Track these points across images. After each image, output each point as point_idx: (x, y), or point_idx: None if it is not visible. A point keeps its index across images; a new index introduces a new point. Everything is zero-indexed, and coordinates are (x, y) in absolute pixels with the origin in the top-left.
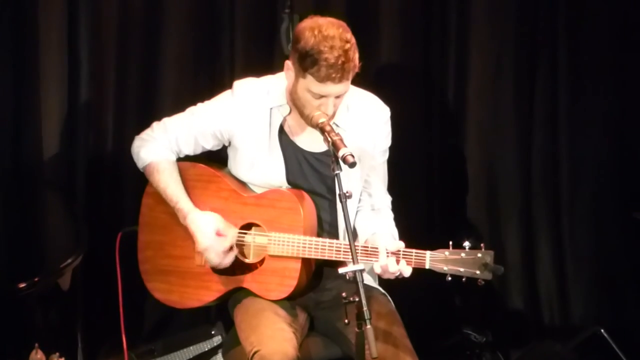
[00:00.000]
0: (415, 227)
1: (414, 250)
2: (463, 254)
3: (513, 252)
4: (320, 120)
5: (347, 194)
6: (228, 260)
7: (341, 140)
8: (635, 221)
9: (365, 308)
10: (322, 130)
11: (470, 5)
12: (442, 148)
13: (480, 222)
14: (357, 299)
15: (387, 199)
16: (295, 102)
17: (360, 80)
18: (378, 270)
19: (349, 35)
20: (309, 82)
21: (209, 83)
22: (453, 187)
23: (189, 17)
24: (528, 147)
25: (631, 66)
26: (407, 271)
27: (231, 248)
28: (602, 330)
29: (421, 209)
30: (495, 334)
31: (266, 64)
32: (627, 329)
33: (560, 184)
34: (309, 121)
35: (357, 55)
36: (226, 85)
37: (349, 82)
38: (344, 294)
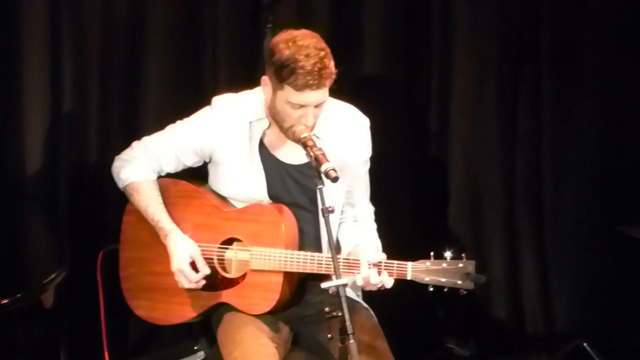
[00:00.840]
0: (398, 240)
1: (395, 262)
2: (444, 264)
3: (497, 265)
4: (303, 135)
5: (330, 209)
6: (199, 286)
7: (324, 154)
8: (618, 234)
9: (348, 323)
10: (305, 145)
11: (454, 22)
12: (427, 163)
13: (464, 235)
14: (340, 314)
15: (370, 210)
16: (274, 116)
17: (343, 96)
18: (360, 283)
19: (323, 44)
20: (287, 93)
21: (192, 98)
22: (437, 201)
23: (172, 32)
24: (512, 161)
25: (615, 81)
26: (388, 282)
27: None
28: (585, 344)
29: (405, 223)
30: (479, 346)
31: (249, 80)
32: (611, 341)
33: (544, 198)
34: (291, 136)
35: (332, 63)
36: (209, 101)
37: (327, 90)
38: (327, 309)
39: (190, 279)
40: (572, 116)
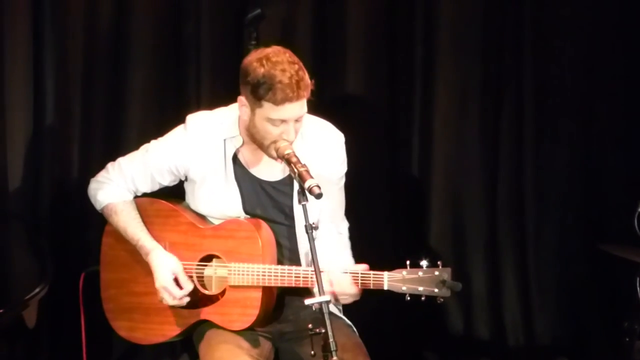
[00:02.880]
0: (379, 257)
1: (371, 272)
2: (420, 273)
3: (479, 284)
4: (287, 152)
5: (314, 226)
6: (181, 304)
7: (307, 171)
8: (600, 252)
9: (331, 339)
10: (289, 162)
11: (436, 38)
12: (409, 180)
13: (446, 253)
14: (322, 331)
15: (345, 226)
16: (254, 136)
17: (326, 113)
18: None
19: (295, 58)
20: (266, 110)
21: (175, 116)
22: (419, 219)
23: (155, 49)
24: (494, 179)
25: (597, 99)
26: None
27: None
28: None
29: (386, 240)
30: None
31: (232, 97)
32: (592, 359)
33: (526, 216)
34: (274, 153)
35: (307, 76)
36: None
37: (305, 102)
38: (310, 325)
39: (174, 296)
40: (554, 135)
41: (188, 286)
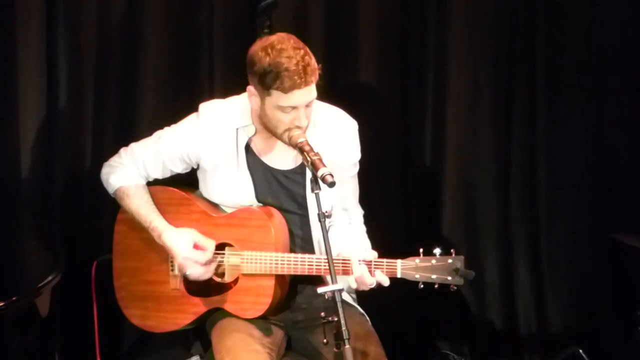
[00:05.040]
0: (392, 246)
1: (385, 260)
2: (433, 261)
3: (491, 273)
4: (300, 140)
5: (327, 214)
6: (209, 271)
7: (320, 160)
8: (613, 241)
9: (344, 328)
10: (302, 150)
11: (449, 27)
12: (421, 169)
13: (458, 242)
14: (335, 319)
15: (359, 212)
16: (266, 124)
17: (338, 101)
18: (354, 285)
19: (300, 44)
20: (275, 98)
21: (187, 103)
22: (431, 208)
23: (167, 38)
24: (506, 168)
25: (609, 88)
26: (384, 281)
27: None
28: (581, 351)
29: (399, 229)
30: (473, 354)
31: (245, 85)
32: (605, 349)
33: (539, 205)
34: (287, 140)
35: (313, 60)
36: None
37: (314, 87)
38: (322, 314)
39: (199, 261)
40: (567, 124)
41: (210, 245)
